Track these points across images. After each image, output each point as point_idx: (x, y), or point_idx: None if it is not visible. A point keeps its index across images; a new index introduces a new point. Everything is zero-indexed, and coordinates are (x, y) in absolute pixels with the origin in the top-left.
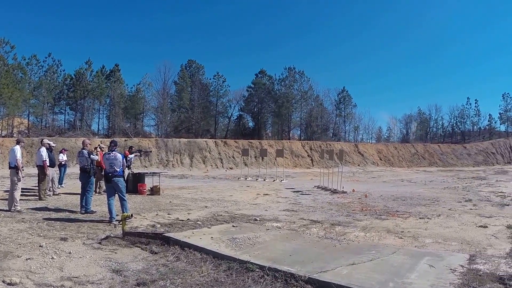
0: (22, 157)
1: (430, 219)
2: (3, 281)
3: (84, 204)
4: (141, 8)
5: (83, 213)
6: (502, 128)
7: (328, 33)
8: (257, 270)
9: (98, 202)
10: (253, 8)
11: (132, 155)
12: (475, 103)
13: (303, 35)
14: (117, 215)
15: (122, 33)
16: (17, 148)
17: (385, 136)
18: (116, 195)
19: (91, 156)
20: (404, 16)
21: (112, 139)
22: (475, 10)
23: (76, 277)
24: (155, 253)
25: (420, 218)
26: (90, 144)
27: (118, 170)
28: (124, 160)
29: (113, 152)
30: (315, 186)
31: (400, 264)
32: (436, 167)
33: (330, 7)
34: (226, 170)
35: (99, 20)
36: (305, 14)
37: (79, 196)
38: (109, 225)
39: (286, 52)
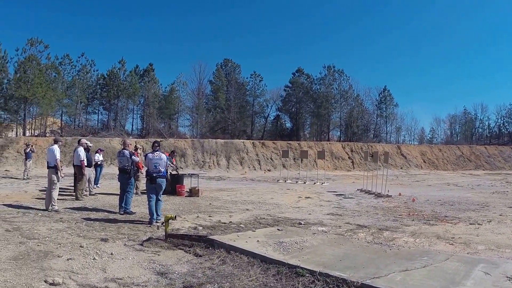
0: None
1: (481, 225)
2: (46, 281)
3: (123, 205)
4: (175, 7)
5: (122, 214)
6: None
7: (367, 29)
8: (307, 275)
9: (136, 203)
10: (289, 5)
11: (171, 169)
12: None
13: (341, 31)
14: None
15: (157, 32)
16: (56, 148)
17: (428, 137)
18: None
19: (133, 157)
20: (448, 11)
21: (155, 139)
22: None
23: (120, 279)
24: (200, 256)
25: (471, 224)
26: (131, 144)
27: (162, 170)
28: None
29: (157, 152)
30: (358, 190)
31: (454, 271)
32: (483, 170)
33: (369, 1)
34: (264, 172)
35: (132, 20)
36: (342, 9)
37: (116, 196)
38: (150, 226)
39: (324, 49)
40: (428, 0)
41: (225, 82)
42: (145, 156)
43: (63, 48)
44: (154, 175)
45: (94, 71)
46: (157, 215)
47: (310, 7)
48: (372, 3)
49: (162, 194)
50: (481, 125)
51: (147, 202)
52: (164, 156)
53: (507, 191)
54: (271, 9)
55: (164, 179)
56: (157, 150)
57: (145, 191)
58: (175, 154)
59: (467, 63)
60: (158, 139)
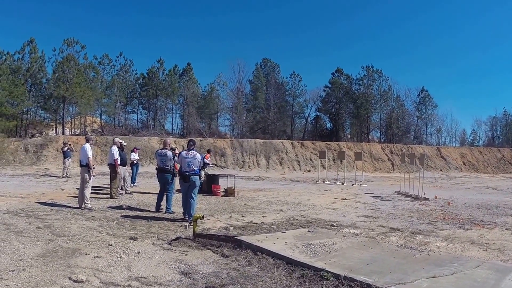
0: (95, 156)
1: None
2: (70, 278)
3: (167, 205)
4: (213, 6)
5: (164, 213)
6: None
7: (409, 33)
8: (332, 278)
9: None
10: (329, 6)
11: (209, 163)
12: None
13: (382, 34)
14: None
15: (194, 31)
16: (87, 146)
17: (470, 140)
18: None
19: (175, 158)
20: (495, 22)
21: (190, 138)
22: None
23: (144, 278)
24: (226, 256)
25: (507, 229)
26: (171, 144)
27: (196, 169)
28: (202, 160)
29: (192, 151)
30: (395, 192)
31: (484, 279)
32: None
33: (412, 5)
34: (303, 173)
35: (170, 19)
36: (383, 12)
37: (150, 195)
38: (181, 225)
39: (364, 51)
40: (477, 10)
41: (264, 82)
42: (179, 154)
43: (101, 47)
44: (187, 173)
45: (132, 70)
46: (190, 214)
47: (351, 9)
48: (415, 10)
49: (198, 193)
50: None
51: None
52: (198, 155)
53: None
54: (311, 8)
55: (198, 177)
56: (192, 149)
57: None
58: (211, 152)
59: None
60: (197, 139)
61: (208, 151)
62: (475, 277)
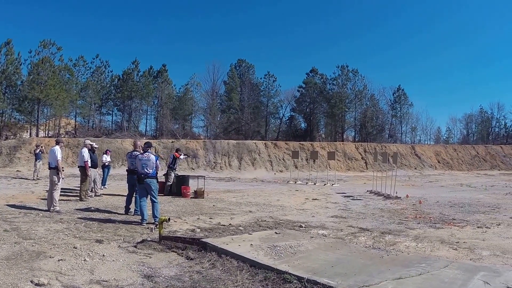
0: (67, 158)
1: (489, 228)
2: (31, 281)
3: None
4: (188, 8)
5: (133, 215)
6: None
7: (384, 34)
8: (294, 281)
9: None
10: (304, 7)
11: (182, 157)
12: None
13: (357, 35)
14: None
15: (170, 33)
16: (57, 149)
17: (444, 137)
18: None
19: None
20: (466, 18)
21: (147, 141)
22: None
23: (106, 281)
24: (191, 259)
25: (478, 227)
26: (141, 146)
27: (151, 171)
28: (158, 163)
29: (146, 153)
30: (367, 191)
31: (451, 280)
32: (498, 170)
33: (386, 6)
34: (275, 173)
35: (146, 21)
36: (358, 13)
37: (120, 197)
38: (147, 228)
39: (339, 52)
40: (447, 8)
41: (239, 83)
42: (135, 156)
43: (77, 49)
44: (142, 175)
45: (108, 72)
46: (155, 216)
47: (327, 10)
48: (388, 11)
49: (167, 195)
50: (497, 124)
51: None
52: (152, 157)
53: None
54: (286, 10)
55: (154, 180)
56: (147, 151)
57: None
58: (180, 150)
59: (483, 68)
60: (169, 140)
61: (177, 150)
62: (442, 277)
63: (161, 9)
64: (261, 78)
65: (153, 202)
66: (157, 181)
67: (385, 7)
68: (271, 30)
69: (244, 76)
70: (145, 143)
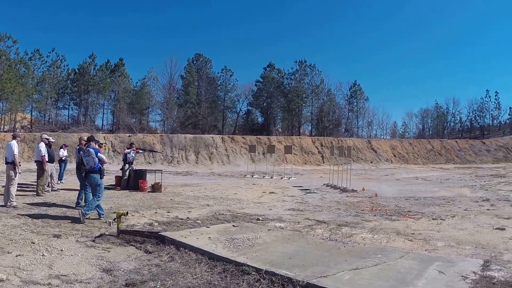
0: (23, 153)
1: (444, 220)
2: None
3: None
4: (146, 2)
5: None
6: None
7: (341, 28)
8: (253, 273)
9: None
10: (262, 2)
11: (130, 150)
12: (495, 95)
13: (314, 29)
14: (114, 212)
15: (128, 27)
16: (14, 143)
17: (400, 132)
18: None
19: (99, 154)
20: (422, 11)
21: (91, 135)
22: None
23: (65, 276)
24: (149, 252)
25: (433, 219)
26: (84, 140)
27: (93, 165)
28: (101, 155)
29: (88, 148)
30: (324, 184)
31: (407, 270)
32: (453, 164)
33: (342, 1)
34: (232, 167)
35: (103, 15)
36: (316, 7)
37: (77, 192)
38: (105, 222)
39: (296, 46)
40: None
41: (196, 77)
42: (80, 151)
43: (33, 43)
44: (87, 170)
45: (64, 66)
46: (87, 210)
47: (284, 4)
48: (346, 5)
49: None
50: (453, 119)
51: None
52: (92, 151)
53: (475, 185)
54: (244, 4)
55: (95, 174)
56: (89, 146)
57: (109, 187)
58: (134, 144)
59: (439, 61)
60: (126, 134)
61: (131, 145)
62: (398, 267)
63: (118, 2)
64: (218, 73)
65: (94, 196)
66: (101, 175)
67: (342, 2)
68: (229, 25)
69: (202, 70)
70: (87, 138)
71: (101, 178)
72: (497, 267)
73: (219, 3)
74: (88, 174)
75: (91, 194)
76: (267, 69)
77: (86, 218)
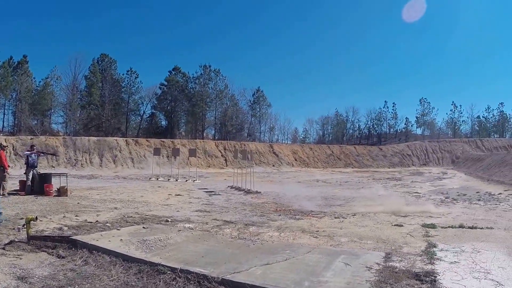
0: None
1: (345, 218)
2: None
3: None
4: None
5: None
6: (419, 131)
7: (247, 35)
8: (168, 272)
9: (2, 205)
10: (169, 9)
11: (31, 153)
12: (393, 106)
13: (220, 37)
14: (21, 218)
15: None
16: None
17: (301, 137)
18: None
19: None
20: (320, 19)
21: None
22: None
23: None
24: (62, 257)
25: (335, 218)
26: None
27: None
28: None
29: None
30: (228, 187)
31: (315, 263)
32: (352, 168)
33: (247, 9)
34: (137, 170)
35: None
36: (221, 16)
37: None
38: (13, 228)
39: (202, 54)
40: (300, 12)
41: (100, 78)
42: None
43: None
44: None
45: None
46: None
47: (191, 13)
48: (250, 14)
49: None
50: (352, 126)
51: None
52: None
53: (372, 187)
54: (151, 12)
55: None
56: None
57: (13, 193)
58: (35, 147)
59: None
60: (28, 137)
61: (32, 147)
62: (307, 261)
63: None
64: (123, 74)
65: None
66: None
67: (248, 8)
68: (136, 29)
69: (106, 71)
70: None
71: None
72: (398, 258)
73: (126, 8)
74: None
75: None
76: (172, 72)
77: None
